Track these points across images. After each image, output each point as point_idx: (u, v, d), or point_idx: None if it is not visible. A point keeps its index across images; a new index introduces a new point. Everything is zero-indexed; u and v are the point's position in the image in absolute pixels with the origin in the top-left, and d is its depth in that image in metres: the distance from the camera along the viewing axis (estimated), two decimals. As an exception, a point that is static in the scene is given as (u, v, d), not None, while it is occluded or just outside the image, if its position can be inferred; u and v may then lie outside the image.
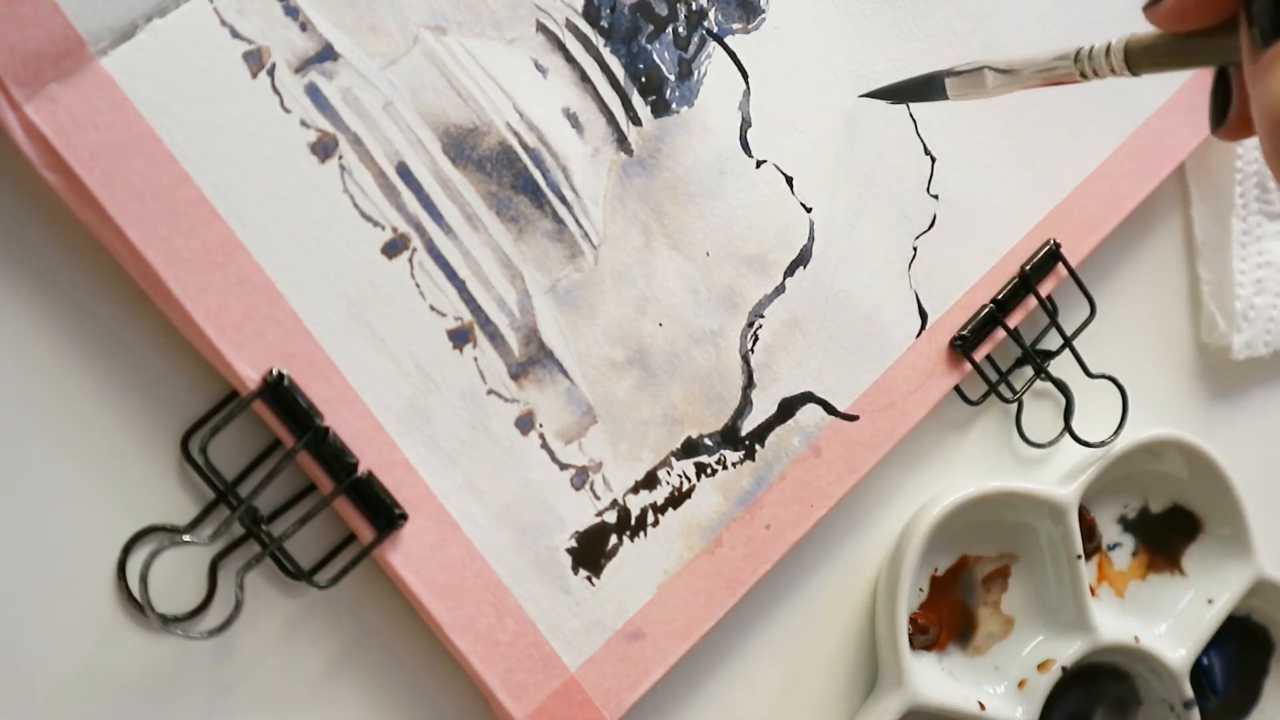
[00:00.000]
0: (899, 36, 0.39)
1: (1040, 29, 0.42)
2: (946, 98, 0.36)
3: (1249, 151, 0.46)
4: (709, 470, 0.36)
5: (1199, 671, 0.45)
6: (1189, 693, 0.43)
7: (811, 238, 0.38)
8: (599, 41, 0.35)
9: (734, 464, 0.37)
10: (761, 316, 0.37)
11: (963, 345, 0.40)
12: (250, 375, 0.30)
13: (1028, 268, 0.41)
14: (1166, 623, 0.44)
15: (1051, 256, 0.41)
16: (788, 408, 0.37)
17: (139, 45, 0.29)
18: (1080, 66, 0.30)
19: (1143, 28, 0.28)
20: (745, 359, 0.37)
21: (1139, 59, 0.29)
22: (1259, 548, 0.45)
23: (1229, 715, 0.47)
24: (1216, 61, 0.27)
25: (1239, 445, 0.47)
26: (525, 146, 0.34)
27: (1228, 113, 0.27)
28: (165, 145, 0.29)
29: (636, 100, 0.35)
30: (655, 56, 0.35)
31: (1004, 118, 0.41)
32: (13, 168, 0.29)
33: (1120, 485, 0.44)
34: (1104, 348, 0.44)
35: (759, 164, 0.37)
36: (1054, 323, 0.42)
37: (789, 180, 0.37)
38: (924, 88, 0.37)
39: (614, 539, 0.35)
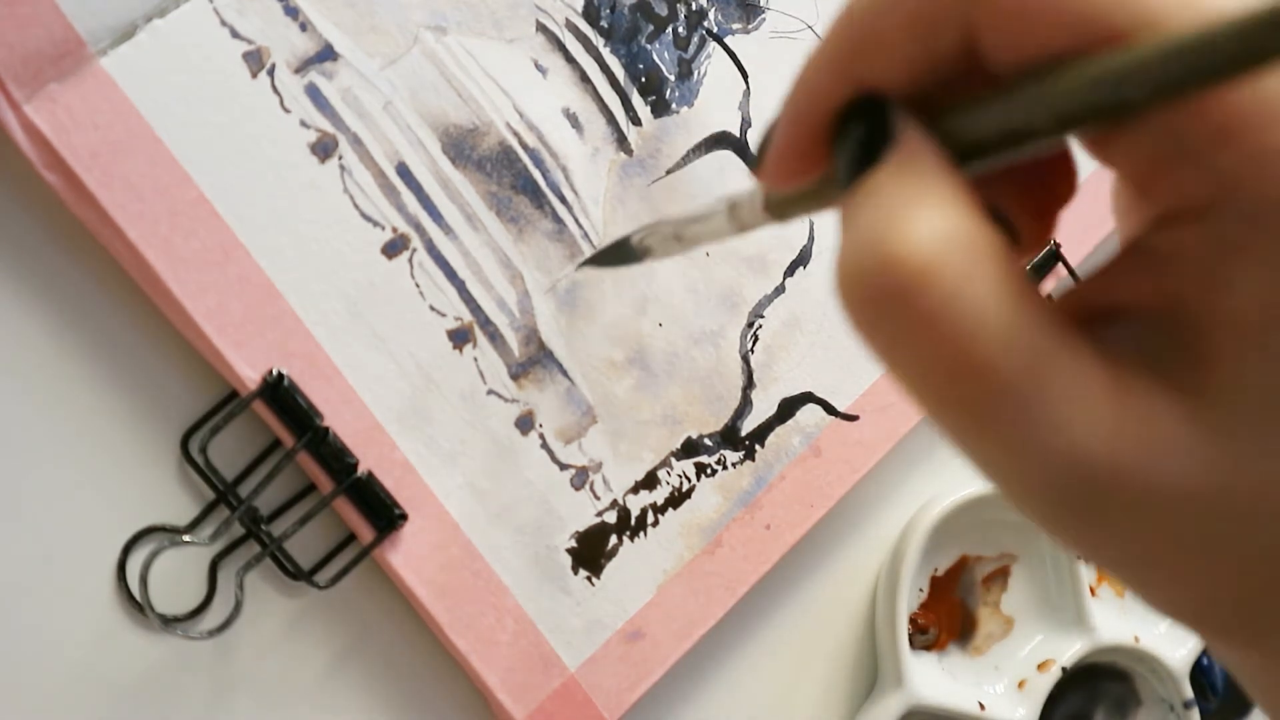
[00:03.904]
0: (899, 36, 0.39)
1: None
2: (643, 260, 0.31)
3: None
4: (709, 470, 0.36)
5: (1199, 671, 0.45)
6: (1189, 693, 0.43)
7: (811, 238, 0.38)
8: (599, 41, 0.35)
9: (734, 464, 0.37)
10: (761, 316, 0.37)
11: (963, 345, 0.40)
12: (250, 375, 0.30)
13: (1028, 268, 0.41)
14: (1166, 623, 0.44)
15: (1051, 256, 0.41)
16: (788, 408, 0.37)
17: (139, 45, 0.29)
18: (735, 222, 0.24)
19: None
20: (745, 359, 0.37)
21: (781, 206, 0.22)
22: (1259, 548, 0.45)
23: (1229, 715, 0.47)
24: None
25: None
26: (525, 146, 0.34)
27: None
28: (165, 145, 0.29)
29: (636, 100, 0.35)
30: (655, 56, 0.35)
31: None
32: (13, 168, 0.29)
33: (1120, 485, 0.44)
34: (1104, 348, 0.44)
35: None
36: (1054, 323, 0.42)
37: (789, 180, 0.37)
38: (619, 252, 0.32)
39: (614, 539, 0.35)
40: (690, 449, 0.36)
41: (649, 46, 0.35)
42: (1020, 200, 0.18)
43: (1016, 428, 0.14)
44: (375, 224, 0.32)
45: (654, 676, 0.35)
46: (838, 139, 0.17)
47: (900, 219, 0.14)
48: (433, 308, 0.32)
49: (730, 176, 0.36)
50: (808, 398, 0.38)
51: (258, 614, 0.32)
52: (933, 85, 0.16)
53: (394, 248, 0.32)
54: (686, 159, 0.36)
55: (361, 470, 0.31)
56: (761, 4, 0.37)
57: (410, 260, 0.32)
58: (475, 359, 0.33)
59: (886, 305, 0.14)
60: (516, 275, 0.33)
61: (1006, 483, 0.15)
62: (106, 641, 0.30)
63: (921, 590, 0.41)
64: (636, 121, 0.35)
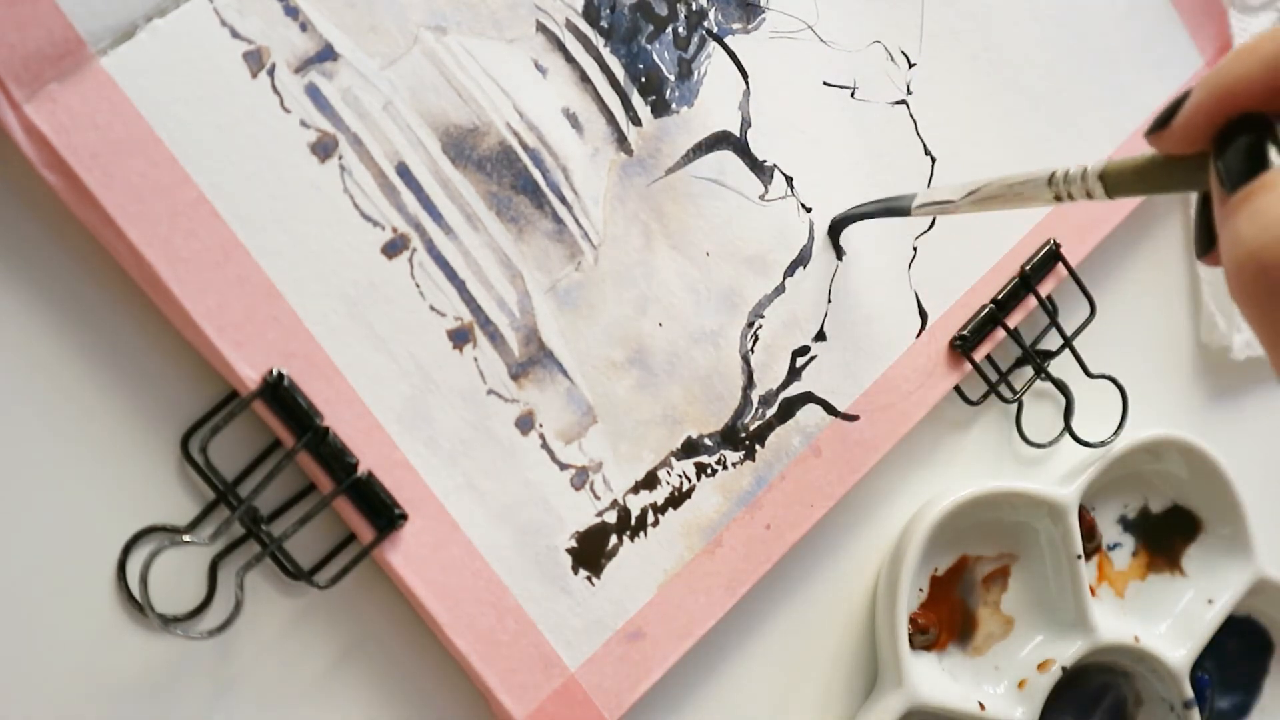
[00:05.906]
0: (900, 35, 0.39)
1: (1040, 29, 0.42)
2: (909, 215, 0.36)
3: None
4: (709, 470, 0.36)
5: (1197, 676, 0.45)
6: (1189, 693, 0.43)
7: (811, 238, 0.38)
8: (599, 41, 0.35)
9: (734, 464, 0.37)
10: (761, 316, 0.37)
11: (963, 345, 0.40)
12: (250, 375, 0.30)
13: (1028, 268, 0.41)
14: (1166, 623, 0.44)
15: (1051, 256, 0.41)
16: (788, 408, 0.37)
17: (139, 45, 0.29)
18: (1055, 190, 0.29)
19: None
20: (745, 359, 0.37)
21: (1117, 183, 0.27)
22: (1259, 548, 0.45)
23: (1229, 715, 0.47)
24: (1201, 187, 0.25)
25: (1239, 445, 0.47)
26: (525, 146, 0.34)
27: (1215, 238, 0.25)
28: (165, 145, 0.29)
29: (636, 100, 0.35)
30: (655, 56, 0.35)
31: (1004, 118, 0.41)
32: (13, 168, 0.29)
33: (1120, 485, 0.44)
34: (1104, 348, 0.44)
35: (759, 164, 0.37)
36: (1054, 323, 0.42)
37: (789, 180, 0.37)
38: (887, 210, 0.36)
39: (614, 539, 0.35)
40: (690, 449, 0.36)
41: (649, 46, 0.35)
42: None
43: None
44: (375, 224, 0.32)
45: (654, 676, 0.35)
46: (1224, 140, 0.22)
47: None
48: (433, 308, 0.32)
49: (731, 176, 0.36)
50: (808, 398, 0.38)
51: (258, 614, 0.32)
52: None
53: (394, 248, 0.32)
54: (686, 159, 0.36)
55: (361, 470, 0.31)
56: (761, 4, 0.37)
57: (410, 260, 0.32)
58: (475, 359, 0.33)
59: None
60: (516, 275, 0.33)
61: None
62: (106, 641, 0.30)
63: (921, 590, 0.41)
64: (636, 121, 0.35)
